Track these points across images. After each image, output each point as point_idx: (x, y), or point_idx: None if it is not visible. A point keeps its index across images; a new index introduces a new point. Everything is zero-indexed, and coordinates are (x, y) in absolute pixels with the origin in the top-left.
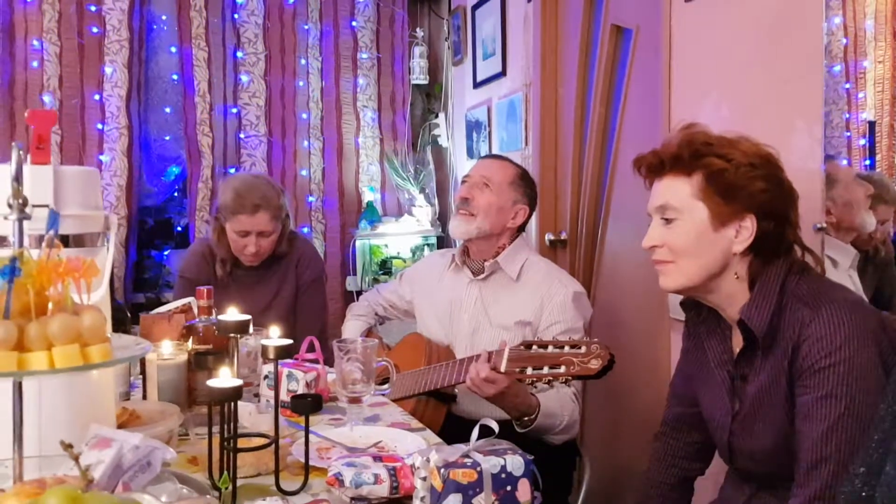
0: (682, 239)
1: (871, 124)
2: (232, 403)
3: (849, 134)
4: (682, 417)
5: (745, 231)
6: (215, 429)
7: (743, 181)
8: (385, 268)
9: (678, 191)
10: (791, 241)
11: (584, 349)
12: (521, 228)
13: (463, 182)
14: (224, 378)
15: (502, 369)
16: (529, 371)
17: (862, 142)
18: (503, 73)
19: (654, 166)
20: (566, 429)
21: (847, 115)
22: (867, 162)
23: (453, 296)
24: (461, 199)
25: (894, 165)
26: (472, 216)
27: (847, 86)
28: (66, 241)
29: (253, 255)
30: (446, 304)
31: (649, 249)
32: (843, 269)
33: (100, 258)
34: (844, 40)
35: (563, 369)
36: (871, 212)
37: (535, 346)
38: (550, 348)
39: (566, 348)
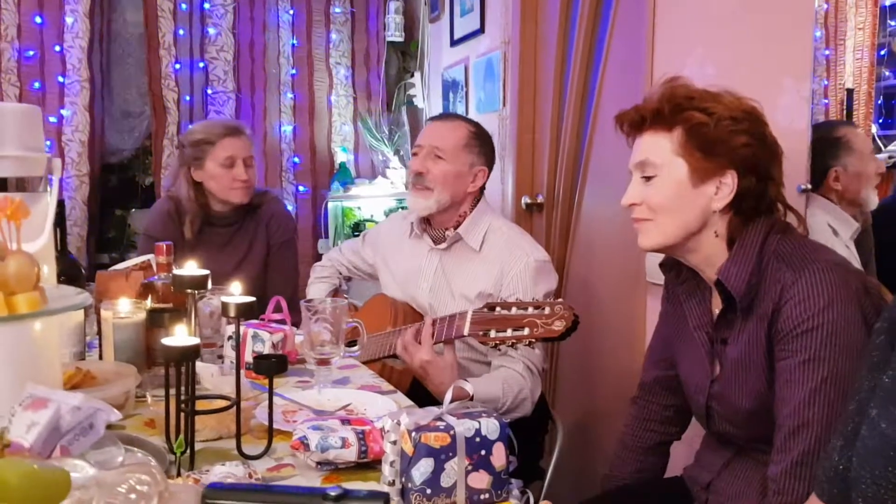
0: (661, 196)
1: (850, 92)
2: (189, 363)
3: (827, 101)
4: (659, 381)
5: (725, 188)
6: (173, 390)
7: (724, 136)
8: (358, 230)
9: (658, 147)
10: (773, 199)
11: (547, 310)
12: (481, 189)
13: (414, 153)
14: (180, 336)
15: (465, 332)
16: (493, 334)
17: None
18: (481, 31)
19: (636, 122)
20: (511, 409)
21: (826, 82)
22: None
23: (413, 263)
24: (415, 173)
25: (871, 134)
26: (428, 190)
27: (827, 52)
28: (3, 184)
29: (244, 187)
30: (406, 271)
31: (628, 207)
32: (843, 240)
33: (41, 204)
34: (825, 5)
35: (526, 331)
36: (875, 190)
37: (498, 308)
38: (514, 310)
39: (530, 310)
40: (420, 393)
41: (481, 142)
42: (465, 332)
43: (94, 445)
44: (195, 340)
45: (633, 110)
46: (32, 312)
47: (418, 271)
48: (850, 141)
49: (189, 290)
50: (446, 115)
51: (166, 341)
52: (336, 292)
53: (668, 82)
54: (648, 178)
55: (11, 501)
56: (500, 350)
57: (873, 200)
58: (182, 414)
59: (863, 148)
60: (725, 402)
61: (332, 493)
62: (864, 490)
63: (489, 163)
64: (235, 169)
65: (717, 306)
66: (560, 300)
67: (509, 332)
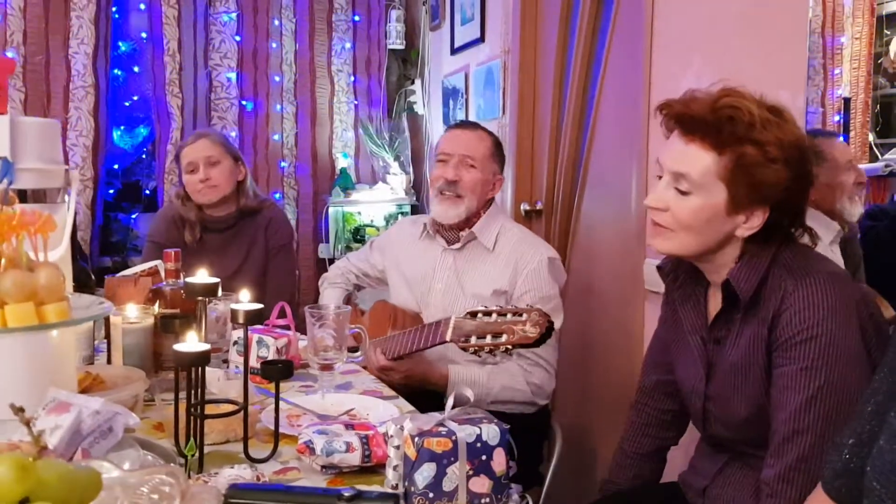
0: (691, 215)
1: (847, 101)
2: (199, 368)
3: (821, 109)
4: (658, 385)
5: (755, 219)
6: (182, 394)
7: (772, 177)
8: (358, 236)
9: (702, 164)
10: (794, 225)
11: (524, 317)
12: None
13: (441, 160)
14: (191, 342)
15: (448, 338)
16: (473, 340)
17: (836, 118)
18: (481, 39)
19: (683, 120)
20: (530, 400)
21: (820, 91)
22: (839, 140)
23: (426, 265)
24: (448, 181)
25: (868, 142)
26: (460, 199)
27: (821, 61)
28: (23, 196)
29: (206, 187)
30: (418, 273)
31: (652, 209)
32: (824, 245)
33: (60, 215)
34: (821, 16)
35: (504, 338)
36: (857, 201)
37: (480, 315)
38: (494, 316)
39: (509, 316)
40: (422, 398)
41: (500, 151)
42: (448, 337)
43: (114, 448)
44: (206, 346)
45: (683, 105)
46: (62, 322)
47: (432, 272)
48: (823, 151)
49: (199, 298)
50: (470, 125)
51: (178, 347)
52: (349, 299)
53: (730, 96)
54: (683, 191)
55: (53, 500)
56: (495, 356)
57: (853, 211)
58: (191, 418)
59: (838, 158)
60: (722, 404)
61: (346, 494)
62: (876, 502)
63: (503, 170)
64: (197, 174)
65: (714, 309)
66: (537, 307)
67: (488, 339)
